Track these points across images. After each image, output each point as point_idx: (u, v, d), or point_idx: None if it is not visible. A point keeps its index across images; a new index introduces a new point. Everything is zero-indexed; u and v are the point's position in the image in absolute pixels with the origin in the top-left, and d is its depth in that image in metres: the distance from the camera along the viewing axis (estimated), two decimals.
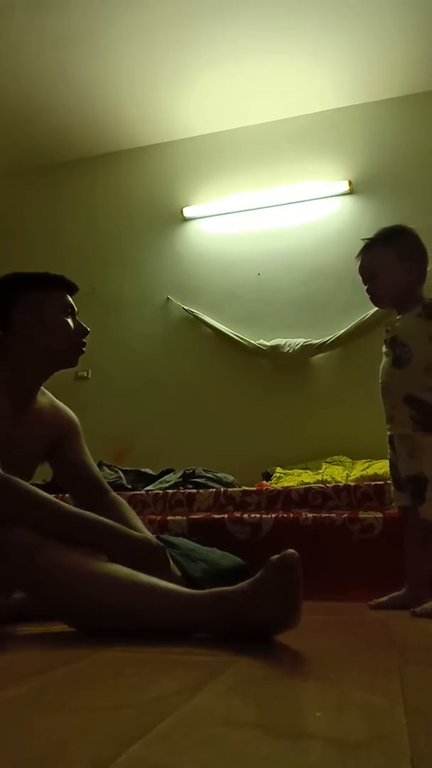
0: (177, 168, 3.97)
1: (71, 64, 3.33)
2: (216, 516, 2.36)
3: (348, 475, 2.89)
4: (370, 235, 1.85)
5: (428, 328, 1.71)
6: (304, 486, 2.51)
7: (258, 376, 3.59)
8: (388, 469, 2.75)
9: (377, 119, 3.65)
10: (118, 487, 2.65)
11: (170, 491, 2.58)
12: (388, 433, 1.81)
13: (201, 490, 2.56)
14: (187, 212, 3.87)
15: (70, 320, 1.64)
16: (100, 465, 2.67)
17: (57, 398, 1.77)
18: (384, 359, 1.81)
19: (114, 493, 1.75)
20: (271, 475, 3.08)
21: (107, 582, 1.22)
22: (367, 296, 1.84)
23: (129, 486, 2.85)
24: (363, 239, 1.86)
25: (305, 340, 3.46)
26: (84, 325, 1.66)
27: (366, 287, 1.83)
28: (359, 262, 1.84)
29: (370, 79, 3.51)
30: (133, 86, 3.51)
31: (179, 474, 2.93)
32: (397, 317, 1.82)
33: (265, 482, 2.99)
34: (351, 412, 3.25)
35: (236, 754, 0.60)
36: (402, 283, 1.77)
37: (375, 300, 1.84)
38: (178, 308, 3.78)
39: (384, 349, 1.81)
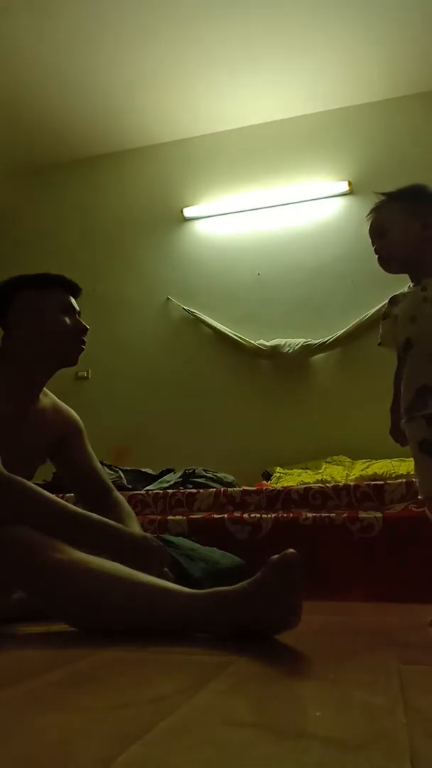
0: (177, 168, 3.97)
1: (71, 64, 3.33)
2: (216, 516, 2.36)
3: (348, 475, 2.89)
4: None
5: None
6: (304, 486, 2.50)
7: (258, 376, 3.59)
8: (387, 469, 2.78)
9: (377, 119, 3.65)
10: (118, 487, 2.64)
11: (170, 491, 2.58)
12: None
13: (201, 490, 2.56)
14: (188, 213, 3.87)
15: (67, 318, 1.64)
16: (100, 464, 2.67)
17: (57, 398, 1.77)
18: (422, 322, 1.52)
19: (117, 493, 1.75)
20: (271, 475, 3.08)
21: (108, 582, 1.22)
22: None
23: (129, 486, 2.85)
24: (376, 192, 1.65)
25: (305, 340, 3.46)
26: (83, 323, 1.66)
27: (374, 248, 1.63)
28: (369, 222, 1.64)
29: (370, 80, 3.51)
30: (134, 86, 3.52)
31: (179, 474, 2.93)
32: (428, 280, 1.55)
33: (265, 482, 2.99)
34: (351, 412, 3.25)
35: (236, 754, 0.60)
36: (416, 241, 1.56)
37: (383, 261, 1.62)
38: (178, 308, 3.78)
39: (420, 310, 1.53)
